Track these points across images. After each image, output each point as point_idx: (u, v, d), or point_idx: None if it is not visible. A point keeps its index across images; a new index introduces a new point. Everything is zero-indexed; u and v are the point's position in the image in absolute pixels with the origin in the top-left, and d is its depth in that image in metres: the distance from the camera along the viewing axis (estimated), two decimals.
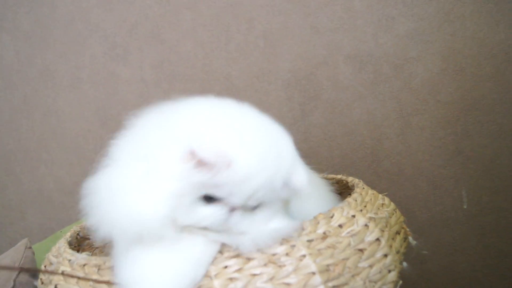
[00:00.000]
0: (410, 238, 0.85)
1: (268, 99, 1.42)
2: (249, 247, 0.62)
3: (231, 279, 0.60)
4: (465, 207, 1.32)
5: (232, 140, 0.61)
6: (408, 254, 0.83)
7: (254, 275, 0.61)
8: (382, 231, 0.73)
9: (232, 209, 0.63)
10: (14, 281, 0.95)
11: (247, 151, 0.60)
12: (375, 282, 0.68)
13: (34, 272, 0.98)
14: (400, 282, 0.74)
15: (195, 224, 0.62)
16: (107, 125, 1.59)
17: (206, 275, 0.60)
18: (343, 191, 0.99)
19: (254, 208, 0.65)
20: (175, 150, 0.61)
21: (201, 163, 0.59)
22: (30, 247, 1.10)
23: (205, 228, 0.63)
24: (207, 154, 0.58)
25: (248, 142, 0.61)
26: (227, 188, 0.60)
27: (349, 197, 0.79)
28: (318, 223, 0.69)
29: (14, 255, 1.04)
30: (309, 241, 0.65)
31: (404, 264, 0.78)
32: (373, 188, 0.90)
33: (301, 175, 0.66)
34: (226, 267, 0.61)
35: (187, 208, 0.61)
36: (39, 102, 1.69)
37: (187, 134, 0.61)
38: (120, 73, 1.58)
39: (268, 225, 0.67)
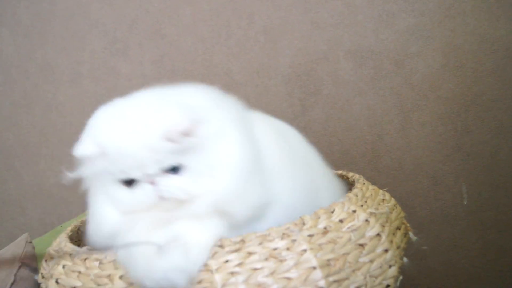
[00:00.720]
0: (410, 234, 0.85)
1: (268, 94, 1.42)
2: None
3: (232, 273, 0.60)
4: (465, 203, 1.33)
5: (100, 133, 0.70)
6: (408, 249, 0.83)
7: (255, 269, 0.61)
8: (383, 226, 0.73)
9: (151, 181, 0.68)
10: (15, 275, 0.95)
11: (109, 134, 0.69)
12: (376, 277, 0.68)
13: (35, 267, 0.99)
14: (400, 277, 0.74)
15: (134, 206, 0.70)
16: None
17: (207, 269, 0.60)
18: (343, 186, 0.99)
19: (173, 171, 0.68)
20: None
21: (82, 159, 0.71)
22: (30, 242, 1.10)
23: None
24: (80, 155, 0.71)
25: (111, 127, 0.70)
26: (115, 167, 0.69)
27: (350, 192, 0.80)
28: (319, 218, 0.69)
29: (14, 250, 1.04)
30: (310, 236, 0.65)
31: (405, 259, 0.78)
32: (373, 183, 0.90)
33: (175, 122, 0.67)
34: (227, 261, 0.61)
35: (117, 196, 0.71)
36: (39, 97, 1.68)
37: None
38: (121, 68, 1.57)
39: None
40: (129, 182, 0.70)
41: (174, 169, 0.69)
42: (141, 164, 0.67)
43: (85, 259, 0.70)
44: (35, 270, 0.99)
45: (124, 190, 0.71)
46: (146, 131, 0.67)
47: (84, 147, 0.70)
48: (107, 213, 0.73)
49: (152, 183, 0.69)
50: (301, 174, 0.84)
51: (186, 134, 0.67)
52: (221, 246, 0.63)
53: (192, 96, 0.76)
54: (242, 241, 0.63)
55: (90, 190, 0.77)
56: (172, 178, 0.69)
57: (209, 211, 0.69)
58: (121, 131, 0.69)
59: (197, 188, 0.69)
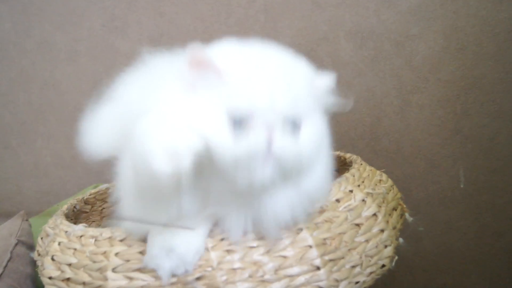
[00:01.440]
0: (406, 215, 0.85)
1: None
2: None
3: (228, 251, 0.60)
4: (462, 186, 1.33)
5: (227, 55, 0.63)
6: (404, 230, 0.83)
7: (251, 247, 0.61)
8: (379, 206, 0.73)
9: (270, 129, 0.56)
10: (11, 252, 0.96)
11: (249, 63, 0.61)
12: (371, 256, 0.69)
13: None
14: (396, 257, 0.75)
15: (236, 150, 0.55)
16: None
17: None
18: (341, 167, 0.99)
19: (294, 127, 0.59)
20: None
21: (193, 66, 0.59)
22: (26, 220, 1.10)
23: None
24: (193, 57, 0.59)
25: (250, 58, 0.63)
26: (245, 96, 0.57)
27: (347, 172, 0.80)
28: None
29: (10, 227, 1.04)
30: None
31: (400, 240, 0.78)
32: (371, 165, 0.90)
33: (323, 78, 0.67)
34: (223, 239, 0.61)
35: (220, 132, 0.56)
36: (37, 74, 1.67)
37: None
38: (119, 46, 1.56)
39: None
40: (239, 124, 0.57)
41: (293, 126, 0.59)
42: (274, 99, 0.57)
43: (81, 236, 0.70)
44: (31, 248, 1.00)
45: (231, 128, 0.57)
46: (293, 69, 0.64)
47: (206, 55, 0.60)
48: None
49: (271, 130, 0.57)
50: None
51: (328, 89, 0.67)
52: (216, 225, 0.63)
53: None
54: None
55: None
56: (289, 138, 0.58)
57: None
58: (261, 62, 0.62)
59: (310, 159, 0.61)
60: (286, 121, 0.58)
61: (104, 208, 1.11)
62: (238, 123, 0.57)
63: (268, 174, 0.56)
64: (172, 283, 0.59)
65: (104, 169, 0.82)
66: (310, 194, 0.62)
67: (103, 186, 1.11)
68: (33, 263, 0.94)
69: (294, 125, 0.59)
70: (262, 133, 0.56)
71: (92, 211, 1.09)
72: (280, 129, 0.57)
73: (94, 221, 1.09)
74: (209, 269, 0.59)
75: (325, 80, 0.66)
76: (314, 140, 0.62)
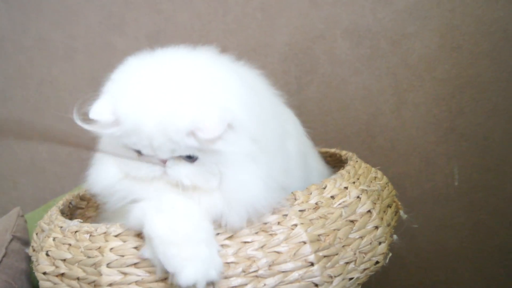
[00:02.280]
0: (401, 212, 0.85)
1: (264, 72, 1.41)
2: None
3: (222, 246, 0.61)
4: (456, 184, 1.33)
5: (121, 99, 0.65)
6: (398, 227, 0.83)
7: (245, 242, 0.61)
8: (374, 203, 0.74)
9: (161, 162, 0.65)
10: (6, 248, 0.96)
11: (130, 106, 0.63)
12: (365, 253, 0.69)
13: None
14: (390, 254, 0.75)
15: (138, 174, 0.68)
16: None
17: None
18: (336, 164, 1.00)
19: (189, 160, 0.64)
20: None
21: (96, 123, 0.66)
22: (22, 216, 1.10)
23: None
24: (93, 115, 0.65)
25: (133, 98, 0.64)
26: (128, 140, 0.64)
27: (342, 169, 0.80)
28: (311, 193, 0.69)
29: (6, 223, 1.04)
30: (301, 211, 0.66)
31: (395, 236, 0.79)
32: (366, 163, 0.91)
33: (208, 127, 0.60)
34: (217, 234, 0.61)
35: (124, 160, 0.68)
36: (34, 71, 1.67)
37: None
38: (116, 43, 1.56)
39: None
40: (140, 152, 0.66)
41: (188, 157, 0.64)
42: (156, 147, 0.63)
43: (76, 231, 0.70)
44: (27, 244, 1.00)
45: (134, 154, 0.67)
46: (172, 121, 0.61)
47: (99, 112, 0.65)
48: (110, 170, 0.71)
49: (162, 162, 0.65)
50: (302, 163, 0.85)
51: (216, 140, 0.61)
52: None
53: (233, 89, 0.67)
54: None
55: (99, 143, 0.75)
56: (183, 164, 0.65)
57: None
58: (144, 107, 0.62)
59: (205, 182, 0.64)
60: (177, 156, 0.65)
61: (99, 204, 1.11)
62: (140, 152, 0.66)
63: (173, 182, 0.66)
64: (166, 278, 0.59)
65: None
66: (234, 200, 0.63)
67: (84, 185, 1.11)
68: (28, 259, 0.94)
69: (190, 157, 0.64)
70: (156, 162, 0.66)
71: (88, 207, 1.09)
72: (171, 161, 0.65)
73: (89, 217, 1.09)
74: None
75: (206, 131, 0.60)
76: (209, 169, 0.64)
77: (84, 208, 1.08)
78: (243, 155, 0.63)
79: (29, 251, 0.83)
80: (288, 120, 0.87)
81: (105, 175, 0.72)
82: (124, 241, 0.64)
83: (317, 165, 0.94)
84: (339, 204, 0.70)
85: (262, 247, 0.61)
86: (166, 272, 0.58)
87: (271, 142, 0.70)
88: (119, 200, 0.71)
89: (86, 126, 0.67)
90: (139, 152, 0.66)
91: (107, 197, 0.73)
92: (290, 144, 0.80)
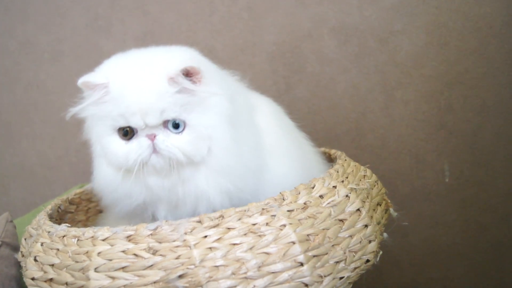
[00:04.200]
0: (391, 210, 0.85)
1: (252, 72, 1.41)
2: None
3: (210, 248, 0.60)
4: (447, 180, 1.34)
5: (108, 69, 0.74)
6: (389, 226, 0.83)
7: (234, 244, 0.61)
8: (363, 202, 0.74)
9: (150, 135, 0.70)
10: None
11: (118, 70, 0.73)
12: (355, 252, 0.69)
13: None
14: (380, 252, 0.75)
15: (127, 160, 0.71)
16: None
17: (185, 245, 0.60)
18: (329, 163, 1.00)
19: (176, 129, 0.71)
20: None
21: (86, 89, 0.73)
22: (11, 221, 1.09)
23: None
24: (84, 83, 0.72)
25: (121, 69, 0.73)
26: (117, 109, 0.70)
27: (331, 168, 0.80)
28: (299, 193, 0.69)
29: None
30: (290, 211, 0.65)
31: (385, 235, 0.79)
32: (356, 161, 0.90)
33: (186, 68, 0.69)
34: (205, 236, 0.61)
35: (111, 148, 0.73)
36: (20, 75, 1.66)
37: None
38: (103, 46, 1.55)
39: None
40: (127, 135, 0.72)
41: (176, 127, 0.70)
42: (143, 110, 0.68)
43: (63, 236, 0.70)
44: (16, 249, 0.99)
45: (120, 142, 0.72)
46: (151, 71, 0.70)
47: (90, 76, 0.72)
48: (106, 173, 0.76)
49: (151, 137, 0.70)
50: (295, 152, 0.87)
51: (189, 74, 0.69)
52: (200, 222, 0.63)
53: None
54: (221, 216, 0.63)
55: (92, 148, 0.80)
56: (172, 136, 0.71)
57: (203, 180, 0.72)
58: (129, 69, 0.72)
59: (196, 150, 0.71)
60: (167, 124, 0.71)
61: (89, 208, 1.11)
62: (127, 136, 0.72)
63: (161, 162, 0.71)
64: (155, 282, 0.59)
65: (90, 169, 0.82)
66: (221, 170, 0.73)
67: (88, 186, 1.10)
68: (18, 265, 0.93)
69: (177, 125, 0.71)
70: (143, 140, 0.71)
71: (78, 211, 1.08)
72: (161, 133, 0.71)
73: (79, 221, 1.08)
74: (192, 266, 0.59)
75: (175, 68, 0.69)
76: (197, 135, 0.71)
77: (74, 212, 1.07)
78: (225, 117, 0.73)
79: (18, 256, 0.82)
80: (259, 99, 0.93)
81: (104, 175, 0.77)
82: (112, 245, 0.64)
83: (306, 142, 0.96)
84: (328, 203, 0.69)
85: (251, 248, 0.61)
86: None
87: (241, 112, 0.79)
88: (128, 204, 0.76)
89: (76, 108, 0.75)
90: (125, 136, 0.72)
91: (115, 201, 0.78)
92: (261, 120, 0.85)
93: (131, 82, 0.70)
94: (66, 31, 1.58)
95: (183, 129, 0.71)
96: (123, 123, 0.71)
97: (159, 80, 0.69)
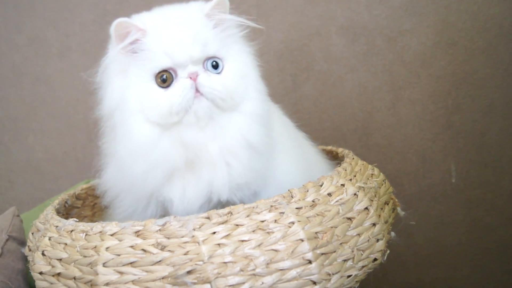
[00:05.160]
0: (398, 209, 0.85)
1: (259, 69, 1.41)
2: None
3: (219, 244, 0.60)
4: (453, 181, 1.33)
5: (144, 17, 0.75)
6: (396, 225, 0.83)
7: (242, 241, 0.61)
8: (371, 200, 0.73)
9: (192, 75, 0.70)
10: (2, 248, 0.95)
11: (156, 20, 0.73)
12: (363, 250, 0.69)
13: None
14: (388, 251, 0.75)
15: (169, 108, 0.69)
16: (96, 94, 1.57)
17: (194, 241, 0.60)
18: (332, 161, 0.99)
19: (215, 70, 0.72)
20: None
21: (120, 37, 0.71)
22: (18, 215, 1.09)
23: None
24: (120, 23, 0.70)
25: (157, 16, 0.74)
26: (157, 47, 0.69)
27: (339, 166, 0.80)
28: (307, 191, 0.69)
29: (1, 223, 1.03)
30: (298, 208, 0.65)
31: (392, 233, 0.79)
32: (363, 160, 0.90)
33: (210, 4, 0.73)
34: (214, 233, 0.61)
35: (150, 97, 0.71)
36: (28, 70, 1.66)
37: None
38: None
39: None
40: (165, 82, 0.70)
41: (215, 67, 0.72)
42: (187, 42, 0.69)
43: (71, 231, 0.70)
44: (23, 243, 0.99)
45: (159, 91, 0.70)
46: (188, 12, 0.73)
47: (128, 19, 0.72)
48: (142, 130, 0.72)
49: (194, 76, 0.70)
50: (298, 151, 0.87)
51: (223, 10, 0.74)
52: (208, 218, 0.63)
53: None
54: (230, 213, 0.63)
55: (119, 113, 0.74)
56: (213, 76, 0.71)
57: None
58: (166, 15, 0.74)
59: (237, 88, 0.72)
60: (206, 64, 0.71)
61: (96, 204, 1.11)
62: (167, 80, 0.70)
63: (205, 106, 0.70)
64: (163, 277, 0.59)
65: (96, 164, 0.82)
66: (254, 116, 0.74)
67: (95, 181, 1.11)
68: (25, 259, 0.93)
69: (217, 65, 0.72)
70: (186, 81, 0.69)
71: (84, 206, 1.08)
72: (202, 73, 0.70)
73: (85, 216, 1.08)
74: (200, 262, 0.59)
75: (209, 4, 0.73)
76: (236, 72, 0.73)
77: (80, 207, 1.07)
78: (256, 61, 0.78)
79: (25, 251, 0.83)
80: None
81: (141, 133, 0.72)
82: (120, 240, 0.64)
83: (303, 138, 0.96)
84: (336, 201, 0.69)
85: (259, 245, 0.61)
86: None
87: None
88: (162, 171, 0.73)
89: (109, 54, 0.75)
90: (164, 82, 0.70)
91: (149, 168, 0.72)
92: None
93: (170, 23, 0.71)
94: (74, 27, 1.58)
95: (222, 69, 0.72)
96: (164, 63, 0.69)
97: (197, 17, 0.71)
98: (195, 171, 0.73)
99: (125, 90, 0.73)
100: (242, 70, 0.74)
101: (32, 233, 0.81)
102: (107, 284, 0.62)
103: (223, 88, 0.70)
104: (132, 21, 0.70)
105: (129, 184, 0.75)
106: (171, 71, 0.70)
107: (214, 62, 0.71)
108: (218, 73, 0.71)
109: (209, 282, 0.58)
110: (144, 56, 0.70)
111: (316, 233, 0.64)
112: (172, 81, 0.70)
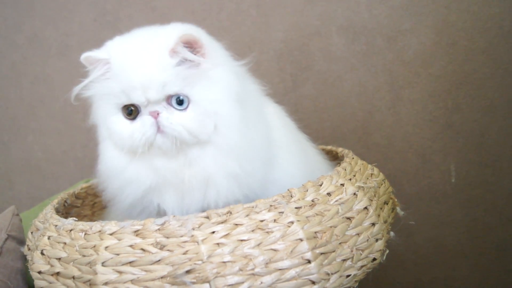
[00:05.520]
0: (398, 209, 0.85)
1: (259, 69, 1.41)
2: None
3: (218, 244, 0.60)
4: (453, 180, 1.33)
5: (110, 46, 0.73)
6: (395, 225, 0.83)
7: (242, 240, 0.60)
8: (371, 200, 0.73)
9: (153, 113, 0.69)
10: (1, 247, 0.95)
11: (120, 45, 0.72)
12: (362, 250, 0.69)
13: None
14: (387, 251, 0.75)
15: (132, 141, 0.70)
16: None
17: (193, 240, 0.60)
18: (332, 161, 0.99)
19: (180, 106, 0.69)
20: None
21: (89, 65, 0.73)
22: (17, 214, 1.09)
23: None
24: (86, 58, 0.72)
25: (122, 45, 0.72)
26: (119, 84, 0.69)
27: (339, 166, 0.79)
28: (307, 190, 0.69)
29: (1, 222, 1.03)
30: (297, 208, 0.65)
31: (391, 233, 0.79)
32: (362, 160, 0.90)
33: (186, 39, 0.68)
34: (213, 232, 0.61)
35: (116, 128, 0.72)
36: (27, 69, 1.66)
37: None
38: None
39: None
40: (131, 115, 0.70)
41: (180, 103, 0.69)
42: (145, 84, 0.67)
43: (71, 230, 0.70)
44: (22, 243, 0.99)
45: (125, 122, 0.71)
46: (152, 44, 0.69)
47: (93, 52, 0.72)
48: (112, 156, 0.74)
49: (154, 114, 0.69)
50: (301, 152, 0.87)
51: (190, 45, 0.68)
52: (208, 217, 0.62)
53: None
54: (229, 212, 0.63)
55: (97, 133, 0.78)
56: (176, 113, 0.69)
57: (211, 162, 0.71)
58: (130, 45, 0.71)
59: (202, 127, 0.69)
60: (171, 100, 0.69)
61: (95, 203, 1.11)
62: (131, 115, 0.71)
63: (167, 142, 0.69)
64: (162, 277, 0.59)
65: (96, 164, 0.82)
66: (228, 147, 0.71)
67: (94, 181, 1.10)
68: (24, 258, 0.93)
69: (182, 101, 0.69)
70: (147, 119, 0.69)
71: (83, 205, 1.08)
72: (164, 110, 0.69)
73: (85, 216, 1.08)
74: (199, 262, 0.59)
75: (174, 39, 0.68)
76: (202, 111, 0.70)
77: (80, 206, 1.07)
78: (232, 93, 0.71)
79: (24, 250, 0.83)
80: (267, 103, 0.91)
81: (110, 158, 0.75)
82: (119, 239, 0.64)
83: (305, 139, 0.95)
84: (336, 201, 0.69)
85: (258, 245, 0.61)
86: None
87: (250, 95, 0.78)
88: (134, 190, 0.74)
89: (79, 85, 0.74)
90: (129, 115, 0.71)
91: (121, 187, 0.75)
92: (269, 112, 0.85)
93: (132, 56, 0.69)
94: (74, 26, 1.58)
95: (187, 106, 0.69)
96: (125, 100, 0.70)
97: (159, 52, 0.68)
98: (184, 187, 0.74)
99: (97, 115, 0.76)
100: (208, 108, 0.70)
101: (31, 232, 0.81)
102: (106, 283, 0.61)
103: (184, 128, 0.69)
104: (98, 55, 0.71)
105: (113, 194, 0.79)
106: (136, 105, 0.70)
107: (179, 99, 0.69)
108: (183, 109, 0.69)
109: (208, 282, 0.58)
110: (110, 87, 0.70)
111: (315, 232, 0.64)
112: (138, 113, 0.70)
